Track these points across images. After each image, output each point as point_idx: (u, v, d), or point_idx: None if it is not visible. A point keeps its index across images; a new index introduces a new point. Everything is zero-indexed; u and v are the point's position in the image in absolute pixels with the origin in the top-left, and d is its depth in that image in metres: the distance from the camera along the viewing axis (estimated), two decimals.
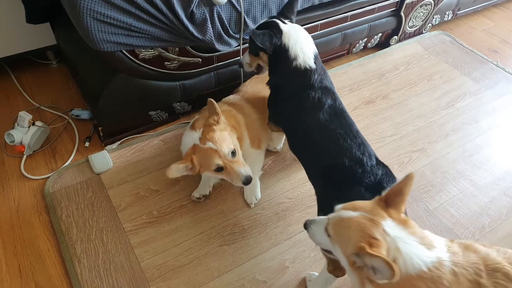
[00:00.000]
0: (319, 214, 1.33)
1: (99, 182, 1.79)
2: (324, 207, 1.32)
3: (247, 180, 1.49)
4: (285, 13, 1.67)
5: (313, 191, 1.45)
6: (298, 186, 1.81)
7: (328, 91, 1.50)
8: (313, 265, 1.55)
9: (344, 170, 1.29)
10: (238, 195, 1.77)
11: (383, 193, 0.99)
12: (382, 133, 2.07)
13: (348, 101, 2.23)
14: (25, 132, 1.83)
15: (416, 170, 1.91)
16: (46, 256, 1.56)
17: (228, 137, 1.52)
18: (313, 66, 1.51)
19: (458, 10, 2.84)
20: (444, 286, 0.88)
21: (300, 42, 1.52)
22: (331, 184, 1.31)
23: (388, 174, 1.30)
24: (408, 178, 0.97)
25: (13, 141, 1.83)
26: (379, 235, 0.91)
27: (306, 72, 1.50)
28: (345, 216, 0.97)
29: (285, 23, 1.57)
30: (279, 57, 1.53)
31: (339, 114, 1.44)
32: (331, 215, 1.01)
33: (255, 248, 1.59)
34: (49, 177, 1.80)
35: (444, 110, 2.22)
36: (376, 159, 1.33)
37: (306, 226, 1.10)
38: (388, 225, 0.93)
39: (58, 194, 1.74)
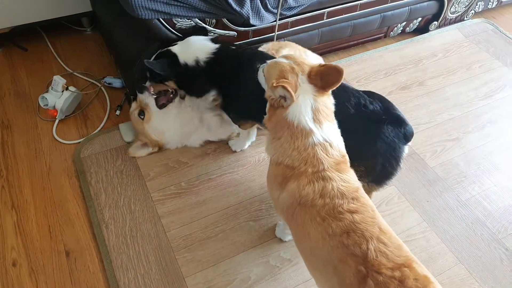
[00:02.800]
0: None
1: None
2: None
3: None
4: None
5: None
6: None
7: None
8: None
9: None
10: (266, 173, 1.74)
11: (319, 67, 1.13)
12: (416, 120, 2.01)
13: (382, 86, 2.16)
14: (58, 97, 1.84)
15: (449, 160, 1.85)
16: (75, 219, 1.59)
17: None
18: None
19: None
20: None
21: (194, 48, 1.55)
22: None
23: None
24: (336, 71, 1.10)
25: (47, 105, 1.85)
26: (292, 79, 1.11)
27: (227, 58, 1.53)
28: (278, 60, 1.17)
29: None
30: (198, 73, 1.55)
31: None
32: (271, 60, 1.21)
33: None
34: (79, 142, 1.82)
35: (482, 100, 2.13)
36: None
37: (258, 68, 1.29)
38: (302, 79, 1.12)
39: (88, 159, 1.76)
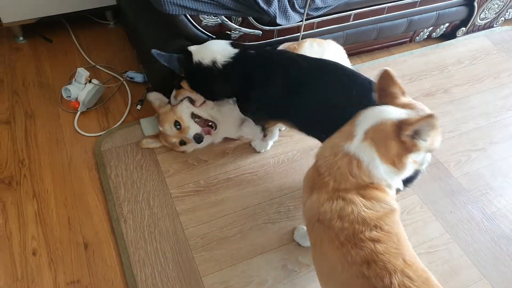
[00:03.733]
0: None
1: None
2: None
3: None
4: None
5: None
6: None
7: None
8: None
9: None
10: (285, 175, 1.73)
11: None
12: (441, 128, 1.96)
13: (407, 91, 2.11)
14: (81, 89, 1.85)
15: (474, 171, 1.80)
16: (94, 212, 1.59)
17: None
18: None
19: None
20: None
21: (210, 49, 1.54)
22: None
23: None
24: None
25: (69, 96, 1.86)
26: None
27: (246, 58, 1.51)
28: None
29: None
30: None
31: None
32: None
33: None
34: (100, 135, 1.83)
35: (510, 110, 2.07)
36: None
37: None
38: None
39: (108, 153, 1.76)
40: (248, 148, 1.81)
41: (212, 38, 1.73)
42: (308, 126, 1.52)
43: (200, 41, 1.72)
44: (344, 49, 2.17)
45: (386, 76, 1.09)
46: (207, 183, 1.69)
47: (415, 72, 2.24)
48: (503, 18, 2.55)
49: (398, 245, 0.96)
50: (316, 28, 1.95)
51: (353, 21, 2.01)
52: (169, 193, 1.64)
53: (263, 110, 1.58)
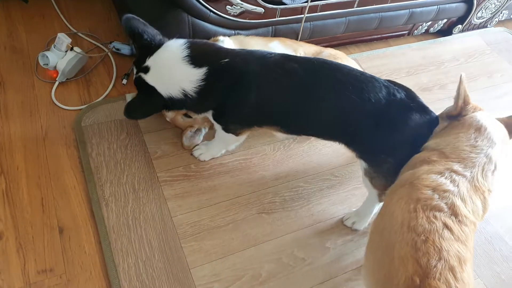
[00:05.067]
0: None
1: (135, 125, 1.65)
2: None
3: None
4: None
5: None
6: (346, 165, 1.67)
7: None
8: (356, 250, 1.43)
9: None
10: (281, 163, 1.64)
11: None
12: None
13: (405, 85, 2.06)
14: (61, 57, 1.67)
15: None
16: (71, 193, 1.44)
17: None
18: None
19: None
20: None
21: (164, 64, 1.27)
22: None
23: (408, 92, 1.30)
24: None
25: (47, 64, 1.68)
26: None
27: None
28: None
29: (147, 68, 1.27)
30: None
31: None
32: None
33: (295, 222, 1.48)
34: (81, 109, 1.66)
35: (502, 110, 2.07)
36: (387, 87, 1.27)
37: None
38: None
39: (89, 129, 1.60)
40: None
41: (212, 12, 1.60)
42: (302, 129, 1.41)
43: (197, 14, 1.59)
44: (344, 36, 2.10)
45: None
46: (199, 167, 1.57)
47: (412, 66, 2.19)
48: (497, 19, 2.55)
49: (465, 247, 0.94)
50: (320, 11, 1.85)
51: (357, 7, 1.93)
52: (156, 176, 1.51)
53: (247, 120, 1.40)
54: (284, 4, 1.67)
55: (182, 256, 1.34)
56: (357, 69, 1.32)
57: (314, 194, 1.57)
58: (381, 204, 1.32)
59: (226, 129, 1.42)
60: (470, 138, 1.13)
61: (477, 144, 1.12)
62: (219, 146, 1.57)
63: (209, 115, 1.39)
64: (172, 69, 1.25)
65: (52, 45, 1.68)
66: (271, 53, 1.32)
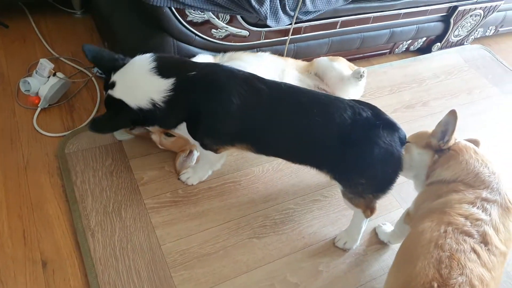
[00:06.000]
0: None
1: (120, 150, 1.61)
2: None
3: None
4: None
5: None
6: (335, 184, 1.67)
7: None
8: (349, 272, 1.42)
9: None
10: (270, 185, 1.63)
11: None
12: None
13: (388, 102, 2.10)
14: (43, 82, 1.63)
15: None
16: (55, 224, 1.39)
17: None
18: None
19: (501, 27, 2.74)
20: None
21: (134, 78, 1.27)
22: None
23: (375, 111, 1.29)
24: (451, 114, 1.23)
25: (29, 90, 1.64)
26: None
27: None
28: None
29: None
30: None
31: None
32: None
33: (287, 246, 1.46)
34: (64, 135, 1.62)
35: (482, 125, 2.12)
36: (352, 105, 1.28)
37: None
38: None
39: (73, 156, 1.56)
40: (230, 156, 1.68)
41: (197, 35, 1.60)
42: (270, 150, 1.41)
43: (182, 38, 1.59)
44: (328, 56, 2.13)
45: None
46: (186, 192, 1.54)
47: (395, 84, 2.23)
48: (473, 37, 2.63)
49: (488, 274, 0.96)
50: (303, 33, 1.88)
51: (339, 28, 1.96)
52: (144, 203, 1.48)
53: (217, 133, 1.36)
54: (269, 27, 1.68)
55: (172, 286, 1.30)
56: (321, 92, 1.34)
57: (305, 216, 1.55)
58: (367, 219, 1.40)
59: (204, 145, 1.40)
60: (481, 162, 1.18)
61: (488, 166, 1.18)
62: (205, 167, 1.55)
63: (185, 131, 1.38)
64: (139, 80, 1.25)
65: (34, 71, 1.64)
66: (240, 70, 1.33)
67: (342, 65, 1.78)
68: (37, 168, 1.52)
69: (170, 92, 1.24)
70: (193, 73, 1.26)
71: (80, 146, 1.59)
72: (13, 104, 1.69)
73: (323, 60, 1.78)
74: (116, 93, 1.26)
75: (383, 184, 1.30)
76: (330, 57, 1.83)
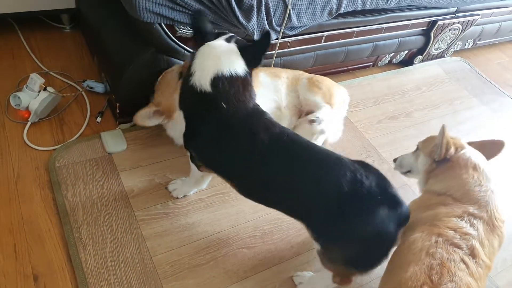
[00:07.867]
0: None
1: (111, 163, 1.63)
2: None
3: None
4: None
5: None
6: None
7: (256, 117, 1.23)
8: None
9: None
10: None
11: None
12: (406, 150, 1.99)
13: (372, 114, 2.17)
14: (34, 97, 1.65)
15: None
16: (46, 237, 1.40)
17: None
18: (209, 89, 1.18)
19: (479, 40, 2.85)
20: None
21: (206, 58, 1.22)
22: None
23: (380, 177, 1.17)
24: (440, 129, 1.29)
25: (19, 105, 1.66)
26: None
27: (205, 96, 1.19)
28: None
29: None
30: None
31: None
32: None
33: (276, 256, 1.49)
34: (55, 149, 1.63)
35: (466, 134, 2.19)
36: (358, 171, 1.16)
37: None
38: None
39: (64, 169, 1.57)
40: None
41: (186, 50, 1.64)
42: (256, 196, 1.33)
43: (171, 52, 1.63)
44: (313, 69, 2.19)
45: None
46: (176, 204, 1.56)
47: (379, 96, 2.31)
48: (452, 50, 2.73)
49: (476, 284, 1.03)
50: (289, 48, 1.93)
51: (324, 42, 2.03)
52: (134, 215, 1.50)
53: (202, 156, 1.34)
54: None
55: None
56: (325, 149, 1.23)
57: (293, 226, 1.59)
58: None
59: (191, 156, 1.39)
60: (475, 180, 1.22)
61: (482, 184, 1.22)
62: (190, 182, 1.56)
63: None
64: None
65: (24, 85, 1.66)
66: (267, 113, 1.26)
67: (316, 97, 1.73)
68: (28, 181, 1.52)
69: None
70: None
71: (70, 159, 1.61)
72: (3, 118, 1.70)
73: (303, 86, 1.77)
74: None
75: (367, 263, 1.21)
76: (314, 79, 1.79)
